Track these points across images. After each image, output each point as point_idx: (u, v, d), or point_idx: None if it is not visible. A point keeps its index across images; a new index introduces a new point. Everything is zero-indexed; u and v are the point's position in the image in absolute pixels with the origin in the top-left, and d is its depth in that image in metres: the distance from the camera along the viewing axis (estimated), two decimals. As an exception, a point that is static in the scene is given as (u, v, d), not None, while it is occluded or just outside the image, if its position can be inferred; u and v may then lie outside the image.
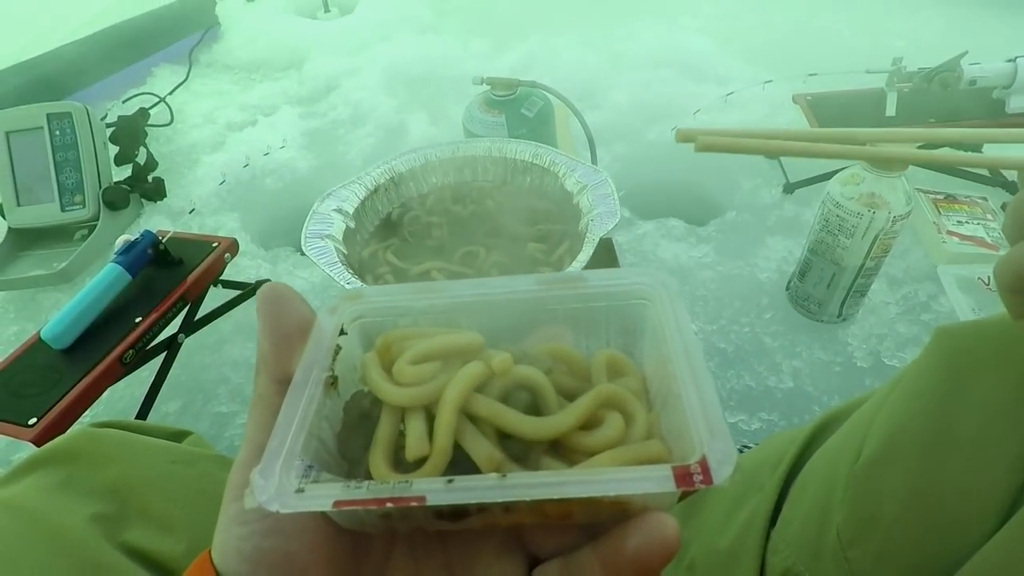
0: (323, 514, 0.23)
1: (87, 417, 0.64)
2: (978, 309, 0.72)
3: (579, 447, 0.24)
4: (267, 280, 0.84)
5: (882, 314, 0.78)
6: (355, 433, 0.25)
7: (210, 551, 0.23)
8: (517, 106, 0.81)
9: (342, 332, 0.26)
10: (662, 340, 0.25)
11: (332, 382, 0.24)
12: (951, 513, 0.27)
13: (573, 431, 0.24)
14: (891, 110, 0.87)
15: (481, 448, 0.23)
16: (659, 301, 0.26)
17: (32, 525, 0.36)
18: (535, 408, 0.25)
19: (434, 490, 0.20)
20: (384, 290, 0.27)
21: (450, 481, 0.20)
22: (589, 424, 0.24)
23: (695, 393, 0.22)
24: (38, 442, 0.54)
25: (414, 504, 0.20)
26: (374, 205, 0.68)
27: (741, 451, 0.61)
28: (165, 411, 0.73)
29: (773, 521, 0.36)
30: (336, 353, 0.25)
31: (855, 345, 0.76)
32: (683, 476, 0.20)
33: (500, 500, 0.20)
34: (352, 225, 0.64)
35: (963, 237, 0.80)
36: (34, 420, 0.56)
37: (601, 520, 0.23)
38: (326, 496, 0.20)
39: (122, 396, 0.74)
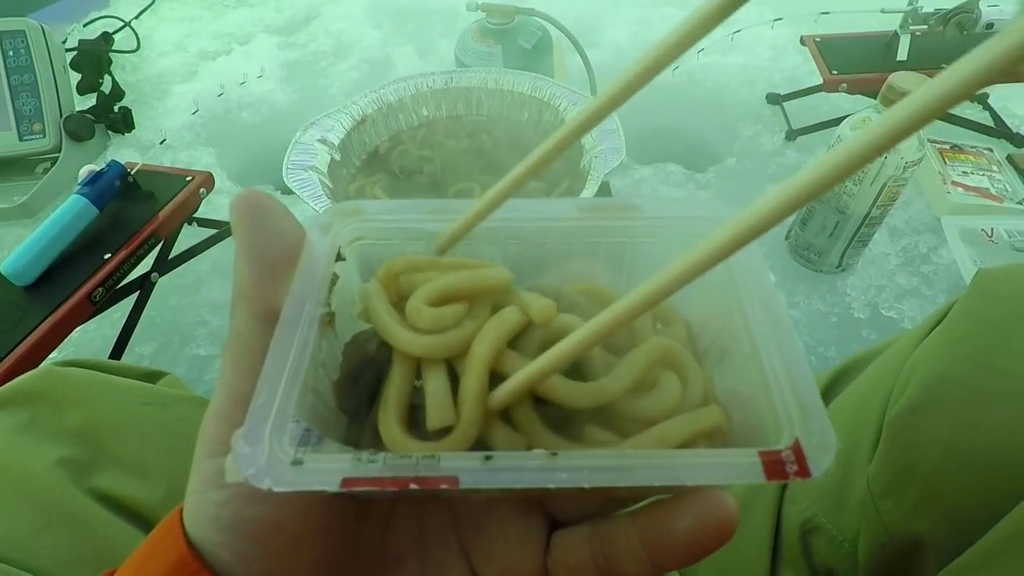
0: None
1: (56, 358, 0.60)
2: (979, 261, 0.71)
3: (630, 414, 0.20)
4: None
5: (882, 265, 0.76)
6: (357, 383, 0.21)
7: (181, 512, 0.19)
8: (514, 36, 0.76)
9: (339, 257, 0.21)
10: (728, 286, 0.21)
11: (328, 320, 0.20)
12: (994, 462, 0.25)
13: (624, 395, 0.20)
14: (903, 54, 0.83)
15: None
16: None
17: None
18: (574, 364, 0.20)
19: (470, 470, 0.16)
20: (389, 206, 0.22)
21: (488, 459, 0.16)
22: (638, 385, 0.20)
23: (777, 355, 0.18)
24: None
25: (443, 487, 0.16)
26: (361, 137, 0.63)
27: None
28: (140, 353, 0.70)
29: None
30: (333, 283, 0.20)
31: (853, 296, 0.74)
32: (773, 465, 0.16)
33: (552, 486, 0.16)
34: (337, 157, 0.59)
35: (968, 188, 0.78)
36: (-5, 360, 0.52)
37: (645, 495, 0.19)
38: (332, 472, 0.16)
39: (93, 338, 0.70)
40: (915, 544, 0.28)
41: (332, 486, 0.16)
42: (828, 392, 0.37)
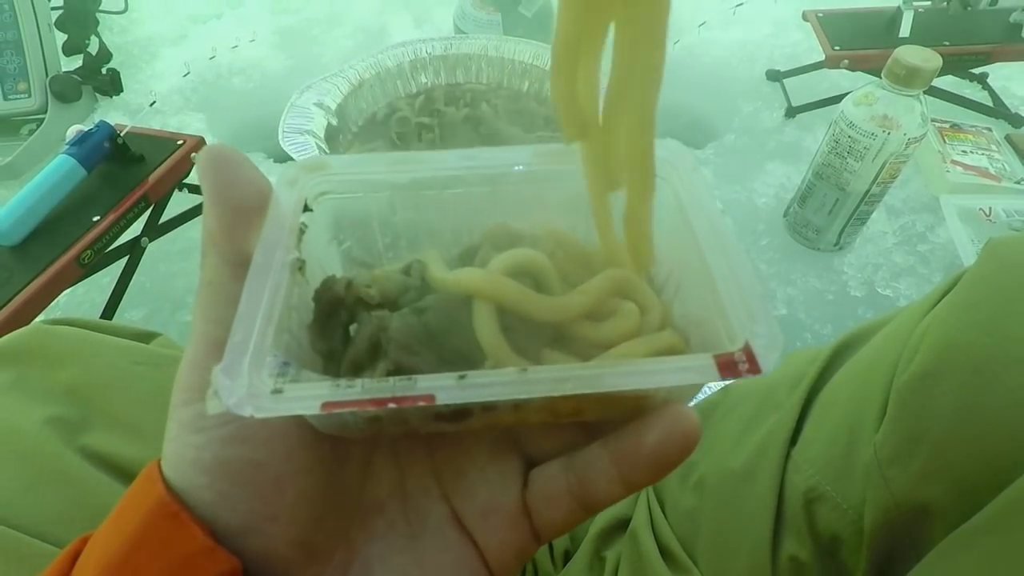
0: (297, 418, 0.19)
1: (42, 320, 0.59)
2: (977, 240, 0.71)
3: (588, 338, 0.21)
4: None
5: (879, 243, 0.76)
6: (329, 324, 0.21)
7: (158, 463, 0.19)
8: (515, 3, 0.75)
9: (306, 208, 0.22)
10: (679, 219, 0.22)
11: (299, 267, 0.20)
12: (1005, 429, 0.25)
13: (580, 320, 0.21)
14: (905, 31, 0.83)
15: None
16: (675, 177, 0.23)
17: None
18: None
19: (444, 387, 0.17)
20: (354, 160, 0.23)
21: (462, 377, 0.17)
22: (596, 315, 0.22)
23: (729, 274, 0.19)
24: (-13, 344, 0.50)
25: (421, 404, 0.17)
26: (358, 103, 0.62)
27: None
28: (130, 319, 0.69)
29: (793, 441, 0.34)
30: (301, 233, 0.21)
31: (850, 274, 0.74)
32: (727, 365, 0.17)
33: (523, 397, 0.17)
34: (335, 123, 0.58)
35: (967, 167, 0.78)
36: (-19, 320, 0.51)
37: (613, 417, 0.20)
38: (311, 397, 0.17)
39: (82, 302, 0.69)
40: (922, 511, 0.27)
41: (313, 409, 0.17)
42: (831, 364, 0.36)
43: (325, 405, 0.17)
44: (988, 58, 0.82)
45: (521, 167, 0.23)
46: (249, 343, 0.17)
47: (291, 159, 0.54)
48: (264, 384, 0.17)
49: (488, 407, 0.19)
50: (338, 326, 0.22)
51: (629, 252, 0.22)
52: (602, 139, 0.21)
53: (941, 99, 0.87)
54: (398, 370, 0.19)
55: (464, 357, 0.20)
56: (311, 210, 0.22)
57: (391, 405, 0.17)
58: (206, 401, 0.17)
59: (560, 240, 0.23)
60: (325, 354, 0.21)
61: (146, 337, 0.40)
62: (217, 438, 0.18)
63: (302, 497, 0.19)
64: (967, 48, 0.81)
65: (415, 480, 0.22)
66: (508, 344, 0.20)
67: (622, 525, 0.41)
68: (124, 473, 0.33)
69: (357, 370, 0.20)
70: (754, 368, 0.17)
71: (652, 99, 0.19)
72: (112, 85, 0.90)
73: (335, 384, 0.17)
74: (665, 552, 0.37)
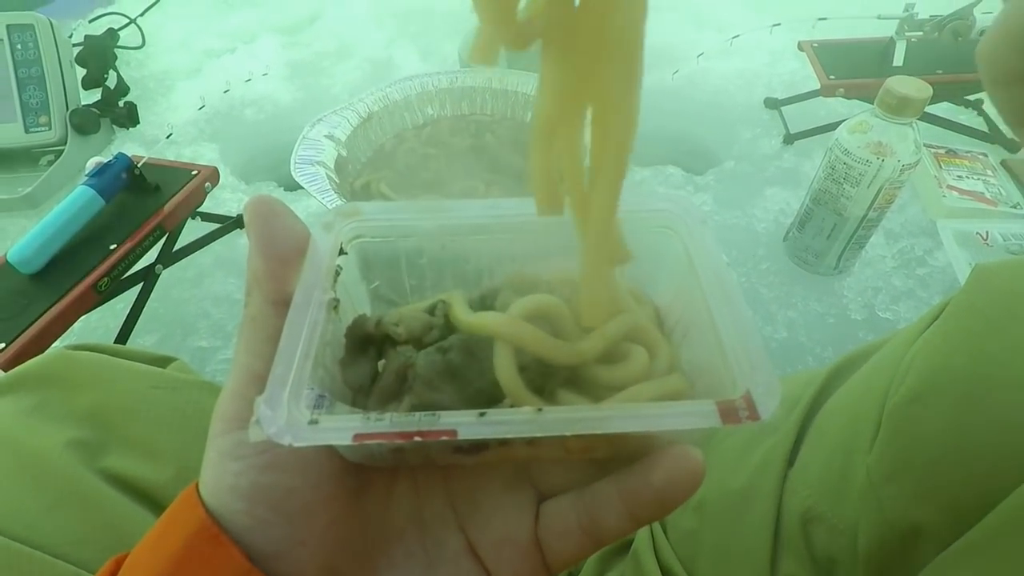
0: (327, 449, 0.21)
1: (59, 348, 0.61)
2: (975, 264, 0.72)
3: (601, 380, 0.22)
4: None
5: (878, 267, 0.77)
6: (359, 360, 0.23)
7: (196, 486, 0.21)
8: (518, 37, 0.77)
9: (342, 251, 0.24)
10: (687, 270, 0.23)
11: (334, 305, 0.22)
12: (993, 450, 0.26)
13: (594, 362, 0.23)
14: (899, 60, 0.85)
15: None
16: (684, 230, 0.24)
17: (2, 450, 0.33)
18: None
19: (466, 423, 0.18)
20: (385, 207, 0.25)
21: (482, 414, 0.19)
22: (609, 358, 0.23)
23: (731, 324, 0.21)
24: (6, 368, 0.51)
25: (444, 438, 0.18)
26: (367, 134, 0.64)
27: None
28: (143, 344, 0.70)
29: (790, 463, 0.35)
30: (337, 274, 0.23)
31: (850, 297, 0.75)
32: (728, 412, 0.19)
33: (538, 435, 0.18)
34: (344, 153, 0.60)
35: (963, 192, 0.80)
36: (2, 345, 0.52)
37: (622, 454, 0.21)
38: (344, 429, 0.18)
39: (96, 327, 0.71)
40: (914, 531, 0.28)
41: (345, 440, 0.18)
42: (826, 387, 0.37)
43: (357, 436, 0.18)
44: (981, 85, 0.83)
45: (537, 217, 0.24)
46: (289, 376, 0.19)
47: (302, 188, 0.55)
48: (302, 415, 0.18)
49: (504, 442, 0.20)
50: (367, 361, 0.23)
51: (584, 309, 0.23)
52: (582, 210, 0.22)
53: (936, 125, 0.89)
54: (422, 405, 0.21)
55: (484, 394, 0.22)
56: (346, 253, 0.24)
57: (417, 439, 0.18)
58: (249, 429, 0.18)
59: (576, 285, 0.25)
60: (355, 387, 0.23)
61: (163, 362, 0.41)
62: (255, 465, 0.20)
63: (330, 523, 0.21)
64: (960, 76, 0.83)
65: (433, 510, 0.23)
66: (525, 383, 0.21)
67: (624, 546, 0.42)
68: (143, 495, 0.34)
69: (384, 403, 0.22)
70: (753, 415, 0.18)
71: (621, 176, 0.21)
72: (129, 117, 0.93)
73: (366, 417, 0.19)
74: (667, 573, 0.38)
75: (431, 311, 0.24)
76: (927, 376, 0.29)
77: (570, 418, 0.19)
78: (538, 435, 0.18)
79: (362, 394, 0.23)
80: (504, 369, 0.21)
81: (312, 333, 0.20)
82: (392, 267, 0.26)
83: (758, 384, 0.19)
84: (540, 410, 0.19)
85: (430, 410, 0.21)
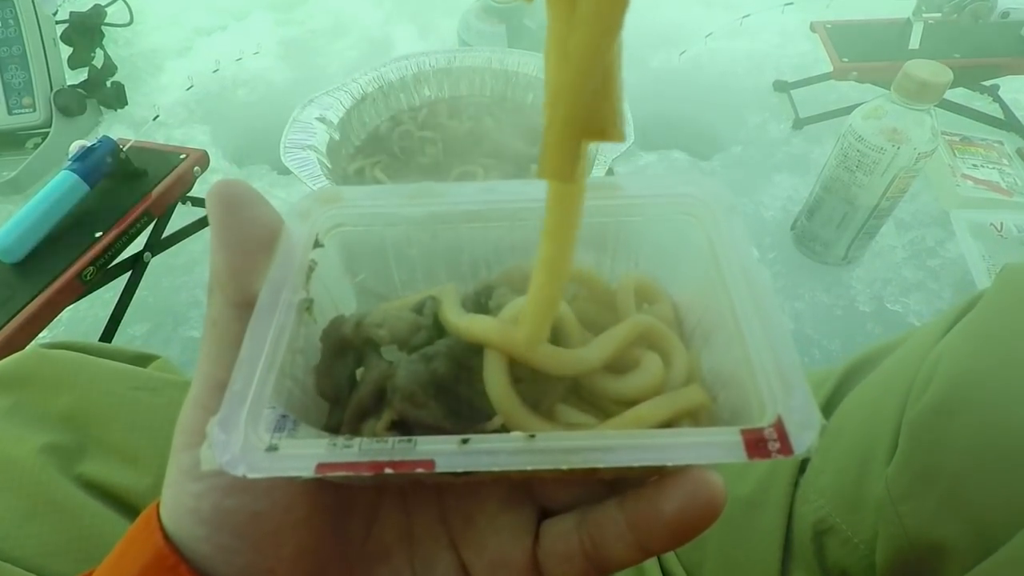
0: None
1: (46, 338, 0.59)
2: (988, 255, 0.70)
3: (608, 393, 0.20)
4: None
5: (888, 258, 0.75)
6: (336, 367, 0.21)
7: (157, 507, 0.19)
8: (519, 15, 0.74)
9: (317, 244, 0.21)
10: (711, 264, 0.20)
11: (307, 306, 0.20)
12: (1023, 464, 0.24)
13: (600, 372, 0.20)
14: (915, 43, 0.82)
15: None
16: (708, 219, 0.21)
17: None
18: (553, 343, 0.20)
19: (446, 453, 0.16)
20: (369, 192, 0.22)
21: (465, 442, 0.16)
22: (617, 365, 0.20)
23: (760, 331, 0.18)
24: (-10, 362, 0.49)
25: (420, 471, 0.16)
26: (361, 116, 0.61)
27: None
28: (132, 334, 0.69)
29: (802, 469, 0.33)
30: (311, 270, 0.20)
31: (858, 289, 0.73)
32: (755, 444, 0.16)
33: (529, 468, 0.16)
34: (337, 137, 0.58)
35: (977, 181, 0.77)
36: (-17, 339, 0.51)
37: (631, 475, 0.19)
38: (306, 457, 0.16)
39: (84, 317, 0.69)
40: (937, 549, 0.27)
41: (307, 471, 0.16)
42: (840, 388, 0.36)
43: (320, 467, 0.16)
44: (999, 71, 0.81)
45: (543, 201, 0.22)
46: (248, 393, 0.17)
47: (293, 173, 0.53)
48: (260, 440, 0.16)
49: None
50: (345, 368, 0.21)
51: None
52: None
53: (951, 112, 0.86)
54: (402, 421, 0.19)
55: (473, 408, 0.19)
56: (322, 246, 0.21)
57: (388, 471, 0.16)
58: (201, 455, 0.16)
59: (583, 279, 0.22)
60: (331, 398, 0.21)
61: (144, 360, 0.40)
62: (217, 487, 0.18)
63: (302, 549, 0.19)
64: (978, 61, 0.80)
65: (423, 527, 0.21)
66: (519, 397, 0.19)
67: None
68: (121, 502, 0.33)
69: (361, 419, 0.20)
70: (786, 449, 0.16)
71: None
72: (117, 98, 0.90)
73: (332, 443, 0.16)
74: (671, 581, 0.37)
75: (418, 310, 0.21)
76: (951, 383, 0.28)
77: (567, 447, 0.16)
78: (528, 468, 0.16)
79: (338, 406, 0.20)
80: (494, 381, 0.19)
81: (278, 341, 0.18)
82: (379, 258, 0.24)
83: (793, 410, 0.16)
84: (532, 437, 0.16)
85: (412, 426, 0.19)
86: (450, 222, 0.22)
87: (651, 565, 0.37)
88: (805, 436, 0.16)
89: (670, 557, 0.38)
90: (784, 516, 0.32)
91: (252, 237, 0.19)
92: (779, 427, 0.16)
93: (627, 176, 0.23)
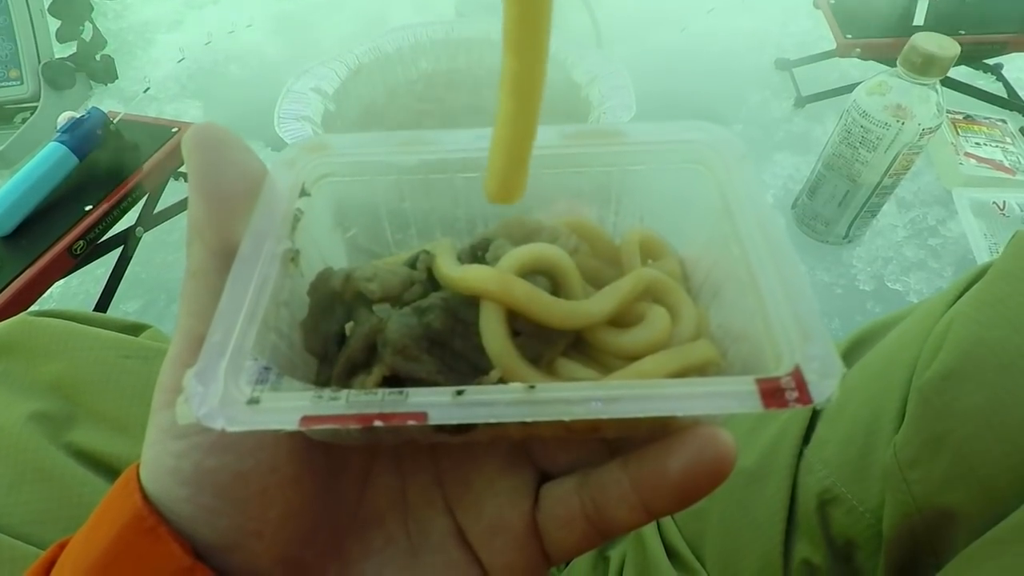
0: None
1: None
2: (990, 234, 0.69)
3: (611, 348, 0.19)
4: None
5: (889, 237, 0.75)
6: (324, 322, 0.20)
7: (137, 468, 0.18)
8: (518, -13, 0.73)
9: (303, 193, 0.20)
10: (722, 214, 0.19)
11: (292, 257, 0.19)
12: None
13: (604, 326, 0.19)
14: (919, 18, 0.81)
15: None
16: (719, 166, 0.20)
17: None
18: (554, 296, 0.19)
19: (439, 405, 0.15)
20: (358, 140, 0.21)
21: (459, 393, 0.15)
22: (622, 320, 0.19)
23: (777, 281, 0.17)
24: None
25: (411, 423, 0.15)
26: (356, 89, 0.60)
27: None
28: (124, 310, 0.68)
29: (806, 440, 0.33)
30: (296, 220, 0.19)
31: (859, 267, 0.73)
32: (772, 392, 0.15)
33: (528, 419, 0.15)
34: (332, 108, 0.56)
35: (980, 159, 0.76)
36: (-30, 312, 0.50)
37: (636, 434, 0.18)
38: (290, 410, 0.15)
39: (76, 293, 0.68)
40: (946, 516, 0.26)
41: (291, 425, 0.15)
42: (845, 358, 0.35)
43: (304, 420, 0.15)
44: (1004, 48, 0.80)
45: (544, 149, 0.20)
46: (228, 344, 0.16)
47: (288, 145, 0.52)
48: (240, 392, 0.15)
49: None
50: (334, 324, 0.20)
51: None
52: None
53: (954, 90, 0.85)
54: (394, 376, 0.18)
55: (468, 363, 0.18)
56: (309, 195, 0.20)
57: (377, 423, 0.15)
58: (176, 408, 0.15)
59: (585, 233, 0.21)
60: (319, 355, 0.20)
61: (135, 330, 0.39)
62: (198, 445, 0.17)
63: (290, 512, 0.18)
64: (983, 37, 0.79)
65: (418, 490, 0.20)
66: (518, 352, 0.18)
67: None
68: (111, 470, 0.32)
69: (351, 374, 0.19)
70: (805, 398, 0.15)
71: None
72: (107, 72, 0.88)
73: (317, 396, 0.15)
74: (671, 552, 0.36)
75: (412, 264, 0.20)
76: (963, 349, 0.27)
77: (569, 398, 0.15)
78: (528, 420, 0.15)
79: (327, 363, 0.20)
80: (492, 334, 0.18)
81: (261, 292, 0.17)
82: (370, 213, 0.23)
83: (812, 358, 0.15)
84: (532, 387, 0.15)
85: (404, 382, 0.18)
86: (444, 171, 0.21)
87: (652, 536, 0.37)
88: (825, 385, 0.15)
89: (671, 528, 0.37)
90: (788, 487, 0.32)
91: (233, 183, 0.18)
92: (797, 375, 0.15)
93: (631, 123, 0.22)
